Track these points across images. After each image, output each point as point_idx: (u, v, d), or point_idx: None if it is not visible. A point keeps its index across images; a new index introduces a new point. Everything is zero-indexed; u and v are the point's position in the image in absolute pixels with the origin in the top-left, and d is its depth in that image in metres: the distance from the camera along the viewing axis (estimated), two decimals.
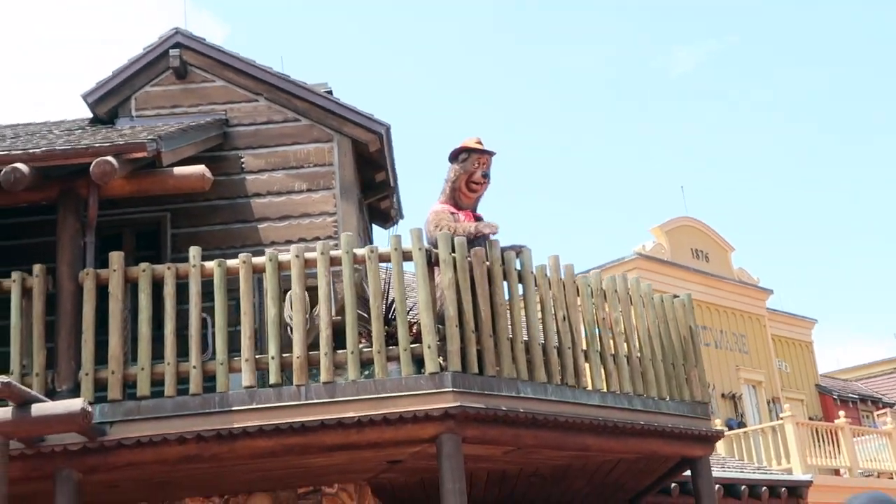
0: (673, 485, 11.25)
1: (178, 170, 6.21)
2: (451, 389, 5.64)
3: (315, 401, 5.63)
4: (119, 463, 5.62)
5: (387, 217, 10.23)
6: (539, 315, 6.48)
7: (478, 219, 6.72)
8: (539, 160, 52.84)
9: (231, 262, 5.94)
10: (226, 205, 8.62)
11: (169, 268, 5.93)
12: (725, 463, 13.60)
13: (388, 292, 6.74)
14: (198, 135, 7.44)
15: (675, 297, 7.69)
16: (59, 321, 5.86)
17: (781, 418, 14.54)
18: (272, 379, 5.69)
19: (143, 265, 5.93)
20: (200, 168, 6.20)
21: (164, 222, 8.55)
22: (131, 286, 6.09)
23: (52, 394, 5.71)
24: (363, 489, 7.47)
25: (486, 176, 6.68)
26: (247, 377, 5.70)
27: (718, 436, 7.50)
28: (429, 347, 5.72)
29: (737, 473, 12.62)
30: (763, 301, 20.66)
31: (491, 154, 6.78)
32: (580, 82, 51.00)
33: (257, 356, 5.78)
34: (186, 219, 8.53)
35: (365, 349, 5.81)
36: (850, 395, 24.30)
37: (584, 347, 6.65)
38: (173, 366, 5.74)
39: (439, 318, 5.97)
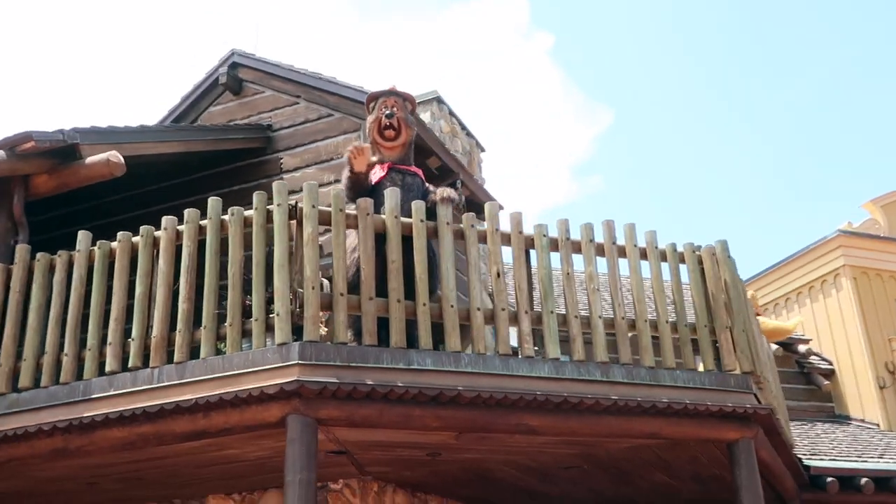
0: (830, 478, 8.50)
1: (89, 159, 5.38)
2: (297, 362, 4.18)
3: (165, 383, 4.42)
4: (2, 458, 4.78)
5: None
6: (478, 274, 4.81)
7: (403, 172, 5.19)
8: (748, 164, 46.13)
9: (113, 245, 4.95)
10: None
11: (60, 255, 5.05)
12: None
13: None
14: (158, 135, 6.60)
15: (698, 247, 5.53)
16: None
17: None
18: (131, 362, 4.58)
19: (39, 255, 5.12)
20: (106, 154, 5.31)
21: None
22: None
23: None
24: (367, 485, 6.08)
25: (390, 116, 5.17)
26: (110, 362, 4.64)
27: (764, 414, 5.17)
28: (278, 315, 4.31)
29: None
30: None
31: (397, 95, 5.28)
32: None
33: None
34: None
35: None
36: None
37: (529, 309, 4.84)
38: (52, 355, 4.83)
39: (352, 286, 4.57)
